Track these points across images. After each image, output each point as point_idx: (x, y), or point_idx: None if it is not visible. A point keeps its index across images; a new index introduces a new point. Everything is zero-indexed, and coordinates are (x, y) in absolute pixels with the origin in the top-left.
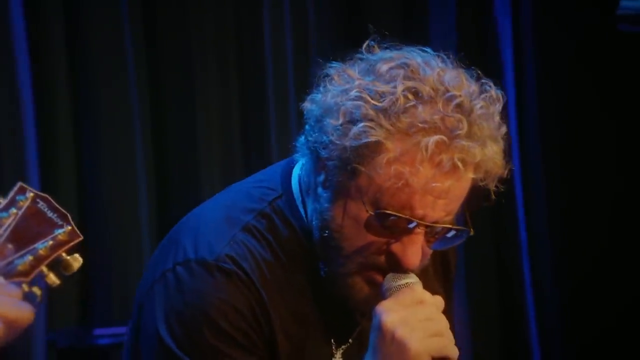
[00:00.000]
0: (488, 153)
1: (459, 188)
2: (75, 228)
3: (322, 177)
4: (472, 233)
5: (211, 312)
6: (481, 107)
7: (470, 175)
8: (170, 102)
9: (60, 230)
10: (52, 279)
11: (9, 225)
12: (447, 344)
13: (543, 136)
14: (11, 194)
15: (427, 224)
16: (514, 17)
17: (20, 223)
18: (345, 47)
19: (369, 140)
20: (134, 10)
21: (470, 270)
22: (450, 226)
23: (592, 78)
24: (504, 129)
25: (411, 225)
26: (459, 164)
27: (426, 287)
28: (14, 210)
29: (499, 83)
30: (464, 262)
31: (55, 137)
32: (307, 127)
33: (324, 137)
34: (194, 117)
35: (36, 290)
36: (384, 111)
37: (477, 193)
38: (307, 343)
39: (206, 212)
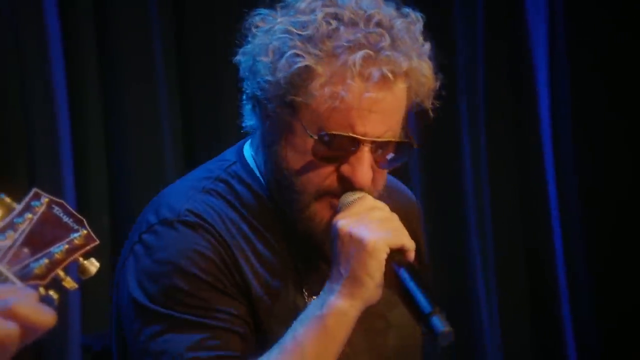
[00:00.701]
0: (414, 64)
1: (393, 100)
2: (91, 232)
3: (267, 124)
4: (415, 146)
5: (180, 261)
6: (401, 24)
7: (401, 85)
8: (198, 101)
9: (76, 235)
10: (70, 282)
11: (24, 230)
12: (402, 235)
13: (575, 122)
14: (26, 199)
15: (370, 139)
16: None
17: (36, 228)
18: None
19: (299, 66)
20: (164, 10)
21: (499, 260)
22: (392, 139)
23: (626, 76)
24: (428, 47)
25: (354, 148)
26: (388, 74)
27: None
28: (29, 215)
29: (532, 84)
30: (493, 250)
31: (87, 136)
32: (245, 82)
33: (259, 79)
34: (223, 116)
35: (53, 293)
36: (309, 39)
37: (415, 111)
38: (280, 292)
39: (166, 189)
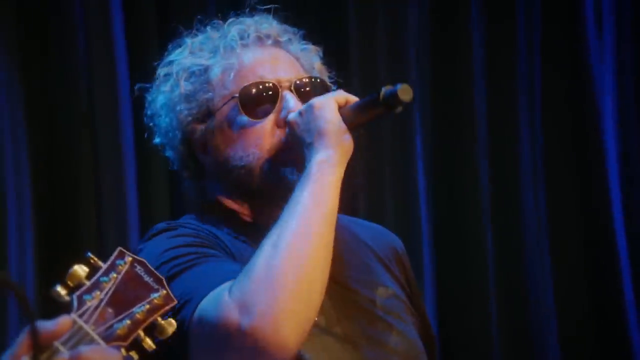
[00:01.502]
0: (277, 28)
1: (283, 55)
2: (170, 292)
3: (214, 134)
4: (328, 84)
5: (182, 232)
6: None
7: (279, 39)
8: None
9: (156, 295)
10: (148, 343)
11: (109, 290)
12: (345, 94)
13: None
14: (111, 258)
15: (285, 79)
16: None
17: (120, 287)
18: None
19: (201, 68)
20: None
21: (558, 278)
22: (305, 75)
23: None
24: (313, 47)
25: (273, 92)
26: (260, 35)
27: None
28: (114, 275)
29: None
30: (550, 269)
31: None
32: (164, 137)
33: (185, 106)
34: None
35: (133, 354)
36: (194, 54)
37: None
38: None
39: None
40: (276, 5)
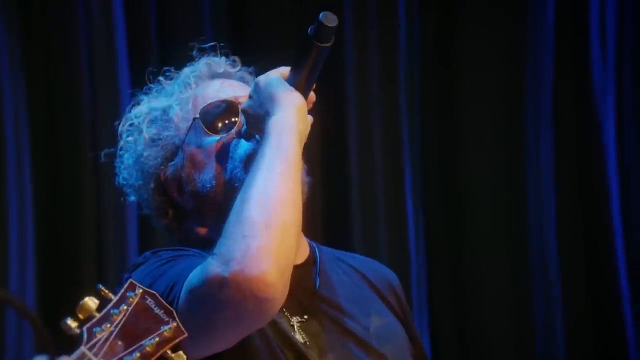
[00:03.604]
0: (227, 65)
1: (232, 82)
2: (181, 325)
3: (185, 170)
4: None
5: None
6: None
7: (230, 71)
8: None
9: (166, 327)
10: None
11: (119, 322)
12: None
13: None
14: (122, 291)
15: (242, 96)
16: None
17: (130, 320)
18: None
19: (160, 111)
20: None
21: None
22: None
23: None
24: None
25: (232, 110)
26: (213, 69)
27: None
28: (124, 307)
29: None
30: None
31: None
32: (137, 193)
33: (152, 151)
34: None
35: None
36: (151, 103)
37: None
38: None
39: None
40: (221, 44)
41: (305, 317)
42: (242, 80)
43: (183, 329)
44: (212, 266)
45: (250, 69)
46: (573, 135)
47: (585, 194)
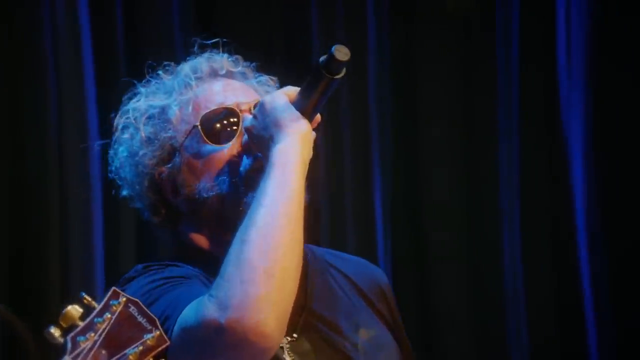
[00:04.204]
0: (229, 63)
1: (238, 83)
2: (163, 333)
3: (181, 173)
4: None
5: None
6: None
7: (232, 70)
8: None
9: (149, 335)
10: None
11: (103, 330)
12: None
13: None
14: (105, 298)
15: (244, 102)
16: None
17: (113, 328)
18: None
19: (158, 109)
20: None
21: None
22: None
23: None
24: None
25: (236, 119)
26: (213, 68)
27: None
28: (108, 315)
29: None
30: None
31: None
32: (130, 188)
33: (148, 150)
34: None
35: None
36: (149, 98)
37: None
38: None
39: None
40: (224, 40)
41: (295, 335)
42: (243, 77)
43: (166, 337)
44: (209, 309)
45: (252, 65)
46: (537, 145)
47: (549, 190)
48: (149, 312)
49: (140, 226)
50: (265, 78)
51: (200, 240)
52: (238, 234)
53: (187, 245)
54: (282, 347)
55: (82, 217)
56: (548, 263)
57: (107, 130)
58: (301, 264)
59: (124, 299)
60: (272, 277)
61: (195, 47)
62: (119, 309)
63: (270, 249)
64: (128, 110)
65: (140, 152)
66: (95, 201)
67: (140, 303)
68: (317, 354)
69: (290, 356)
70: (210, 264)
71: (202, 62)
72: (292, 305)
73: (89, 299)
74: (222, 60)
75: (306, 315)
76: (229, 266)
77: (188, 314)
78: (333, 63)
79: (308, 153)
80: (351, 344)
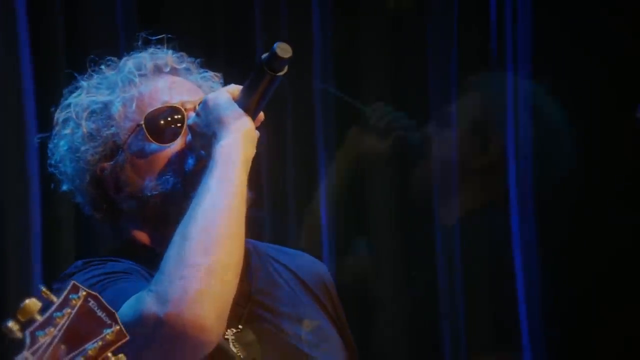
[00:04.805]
0: (174, 59)
1: (183, 81)
2: (123, 328)
3: (114, 180)
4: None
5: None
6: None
7: (176, 67)
8: None
9: (109, 330)
10: None
11: (62, 325)
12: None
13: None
14: (65, 292)
15: (189, 101)
16: None
17: (73, 323)
18: None
19: (101, 105)
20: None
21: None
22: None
23: None
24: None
25: (180, 116)
26: (157, 64)
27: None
28: (67, 310)
29: None
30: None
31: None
32: (71, 182)
33: (89, 146)
34: None
35: None
36: (91, 93)
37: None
38: None
39: None
40: (169, 35)
41: (240, 326)
42: (187, 73)
43: (125, 332)
44: (148, 304)
45: (197, 60)
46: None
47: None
48: (108, 306)
49: (80, 221)
50: (209, 74)
51: (142, 236)
52: (179, 230)
53: (129, 241)
54: (227, 339)
55: (19, 213)
56: None
57: (46, 125)
58: (242, 259)
59: (84, 293)
60: (212, 272)
61: (140, 42)
62: (79, 303)
63: (211, 245)
64: (69, 105)
65: (82, 148)
66: (33, 196)
67: (100, 297)
68: (262, 344)
69: (235, 347)
70: (151, 260)
71: (145, 58)
72: (232, 299)
73: (48, 292)
74: (166, 57)
75: (250, 307)
76: (169, 262)
77: (128, 309)
78: (275, 60)
79: (251, 150)
80: (295, 334)
